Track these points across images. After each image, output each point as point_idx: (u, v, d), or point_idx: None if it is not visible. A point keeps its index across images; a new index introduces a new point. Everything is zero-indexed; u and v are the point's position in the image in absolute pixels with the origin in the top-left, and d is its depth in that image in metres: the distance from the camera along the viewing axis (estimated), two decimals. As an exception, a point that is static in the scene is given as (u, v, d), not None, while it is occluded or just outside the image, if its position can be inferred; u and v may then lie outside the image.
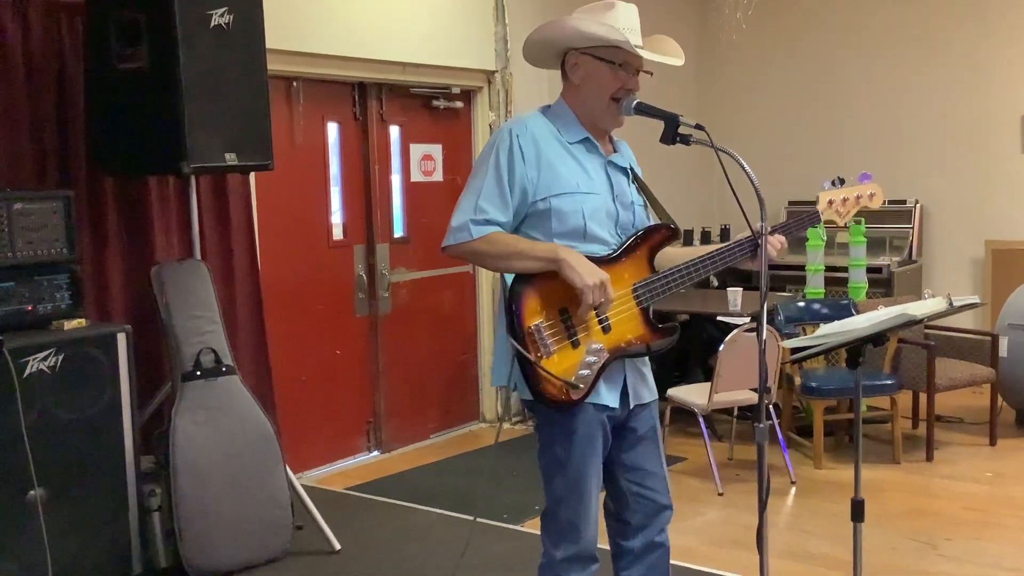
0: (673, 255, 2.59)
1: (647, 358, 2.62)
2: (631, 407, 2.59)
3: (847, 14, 7.35)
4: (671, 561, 2.78)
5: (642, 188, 2.67)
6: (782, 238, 2.56)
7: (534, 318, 2.41)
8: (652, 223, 2.61)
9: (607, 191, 2.55)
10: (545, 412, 2.50)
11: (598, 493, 2.59)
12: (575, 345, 2.43)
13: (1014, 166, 6.86)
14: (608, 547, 2.73)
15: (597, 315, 2.45)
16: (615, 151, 2.65)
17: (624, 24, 2.50)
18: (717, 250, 2.54)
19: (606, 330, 2.46)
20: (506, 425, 6.27)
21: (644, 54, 2.52)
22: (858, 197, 2.73)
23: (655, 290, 2.52)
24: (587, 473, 2.54)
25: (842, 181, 2.73)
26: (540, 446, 2.59)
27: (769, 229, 2.45)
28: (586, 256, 2.45)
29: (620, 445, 2.62)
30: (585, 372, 2.42)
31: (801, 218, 2.67)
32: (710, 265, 2.53)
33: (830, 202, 2.70)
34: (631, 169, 2.66)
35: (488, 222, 2.44)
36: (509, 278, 2.44)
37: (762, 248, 2.42)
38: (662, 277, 2.53)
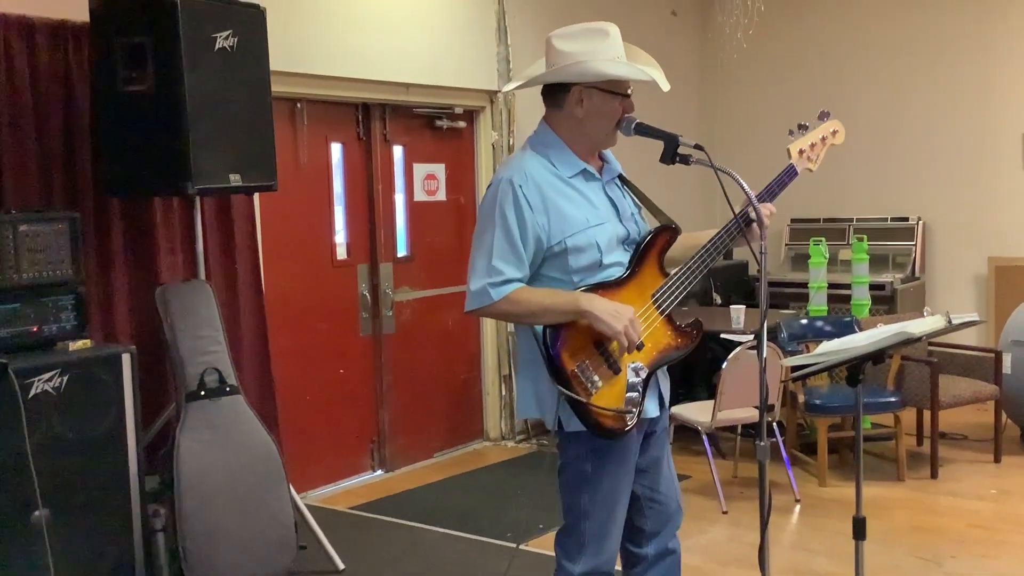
0: (679, 245, 2.61)
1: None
2: (660, 412, 2.63)
3: (848, 32, 7.39)
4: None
5: (634, 191, 2.68)
6: (771, 206, 2.58)
7: (575, 360, 2.42)
8: (652, 229, 2.62)
9: (613, 215, 2.57)
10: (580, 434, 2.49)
11: (625, 511, 2.60)
12: (616, 372, 2.46)
13: (1016, 183, 6.87)
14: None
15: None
16: (604, 162, 2.65)
17: (620, 52, 2.53)
18: (716, 235, 2.56)
19: (640, 348, 2.48)
20: (509, 444, 6.27)
21: (663, 85, 2.55)
22: (823, 139, 2.74)
23: (673, 293, 2.55)
24: (619, 489, 2.56)
25: (804, 127, 2.73)
26: (564, 461, 2.59)
27: (754, 196, 2.47)
28: (604, 282, 2.47)
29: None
30: (634, 395, 2.45)
31: (780, 176, 2.66)
32: (713, 252, 2.55)
33: (800, 151, 2.70)
34: (620, 176, 2.67)
35: (506, 282, 2.44)
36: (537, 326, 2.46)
37: (762, 263, 2.43)
38: (676, 280, 2.55)
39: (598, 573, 2.57)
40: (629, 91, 2.56)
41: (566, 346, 2.42)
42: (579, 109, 2.53)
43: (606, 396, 2.43)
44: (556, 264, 2.49)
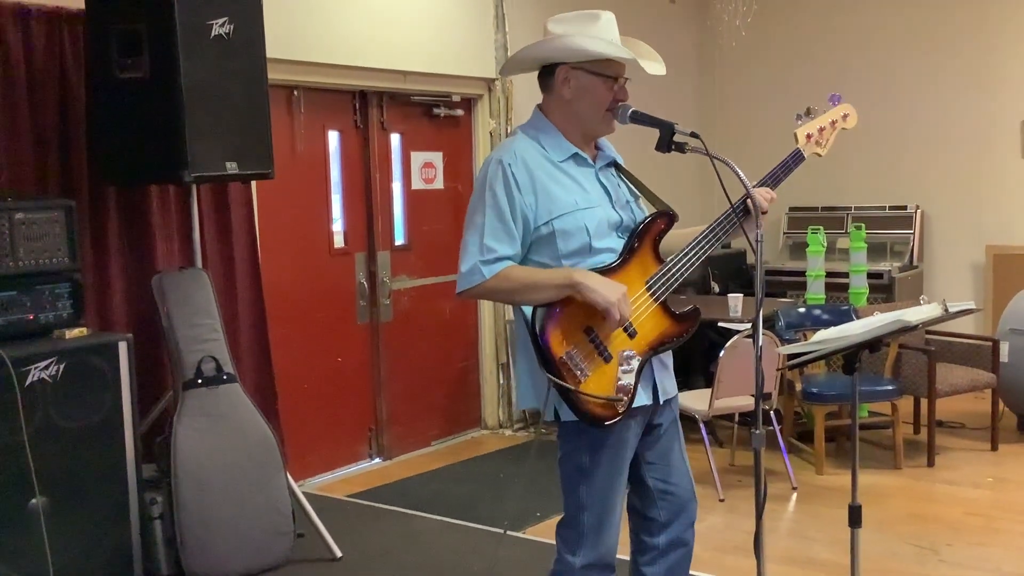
0: (675, 238, 2.59)
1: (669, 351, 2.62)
2: (660, 402, 2.60)
3: (847, 21, 7.37)
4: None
5: (630, 179, 2.66)
6: (771, 192, 2.55)
7: (563, 347, 2.40)
8: (648, 215, 2.59)
9: (605, 200, 2.55)
10: (577, 424, 2.48)
11: (623, 502, 2.59)
12: (607, 360, 2.43)
13: (1015, 171, 6.86)
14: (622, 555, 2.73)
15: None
16: (599, 149, 2.64)
17: (612, 36, 2.51)
18: (716, 222, 2.53)
19: (632, 335, 2.45)
20: (507, 432, 6.27)
21: (647, 67, 2.53)
22: (833, 122, 2.69)
23: (668, 281, 2.51)
24: (614, 482, 2.55)
25: (813, 111, 2.67)
26: (563, 454, 2.58)
27: (754, 184, 2.44)
28: (596, 269, 2.45)
29: (645, 442, 2.62)
30: (625, 382, 2.43)
31: (785, 162, 2.63)
32: (712, 238, 2.53)
33: (808, 136, 2.65)
34: (616, 163, 2.66)
35: (498, 260, 2.42)
36: (527, 311, 2.44)
37: (758, 252, 2.42)
38: (671, 266, 2.52)
39: (599, 565, 2.56)
40: (623, 77, 2.54)
41: (555, 332, 2.40)
42: (566, 90, 2.52)
43: (595, 383, 2.41)
44: (544, 248, 2.48)
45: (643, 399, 2.53)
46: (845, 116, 2.72)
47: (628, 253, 2.51)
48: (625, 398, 2.42)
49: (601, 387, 2.41)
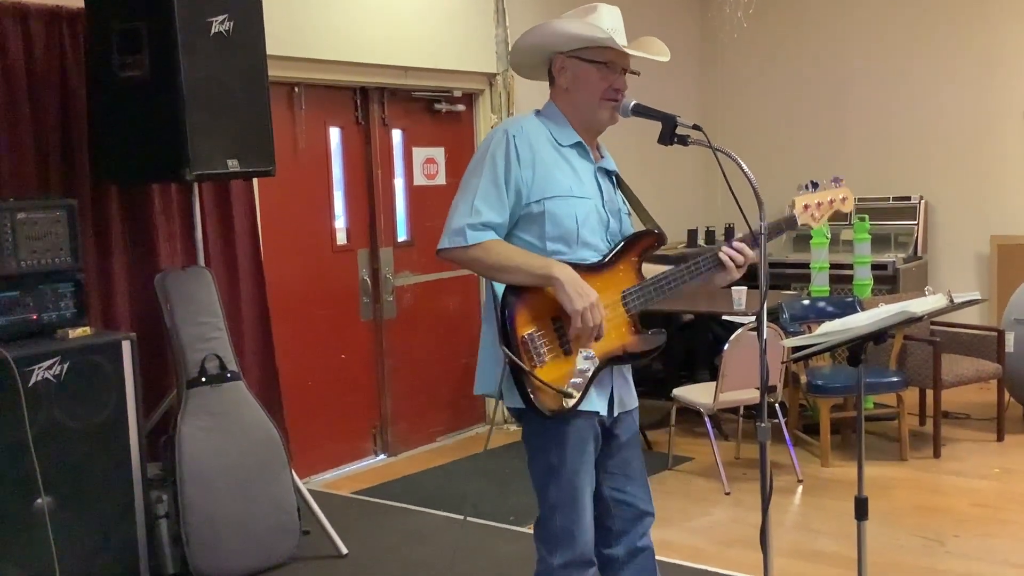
0: (648, 270, 2.60)
1: (630, 365, 2.63)
2: (616, 414, 2.60)
3: (848, 10, 7.35)
4: (680, 560, 2.78)
5: (626, 193, 2.67)
6: (750, 253, 2.55)
7: (527, 328, 2.41)
8: (637, 231, 2.61)
9: (598, 197, 2.56)
10: (535, 420, 2.49)
11: (591, 498, 2.59)
12: (567, 353, 2.44)
13: (1019, 161, 6.84)
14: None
15: None
16: (602, 156, 2.65)
17: (608, 25, 2.51)
18: (702, 256, 2.56)
19: (597, 337, 2.46)
20: (512, 428, 6.26)
21: (630, 51, 2.53)
22: (831, 201, 2.75)
23: (644, 297, 2.53)
24: (581, 479, 2.54)
25: (816, 185, 2.75)
26: (530, 455, 2.58)
27: (753, 233, 2.45)
28: (577, 262, 2.45)
29: (603, 452, 2.62)
30: (578, 380, 2.42)
31: (777, 223, 2.66)
32: (695, 271, 2.55)
33: (806, 206, 2.71)
34: (616, 173, 2.66)
35: (485, 226, 2.43)
36: (499, 287, 2.44)
37: (762, 247, 2.42)
38: (651, 284, 2.53)
39: (578, 562, 2.55)
40: (624, 67, 2.53)
41: (522, 311, 2.40)
42: (563, 79, 2.54)
43: (550, 373, 2.41)
44: (531, 227, 2.48)
45: (597, 406, 2.53)
46: (844, 199, 2.79)
47: (614, 258, 2.53)
48: (576, 395, 2.42)
49: (554, 378, 2.41)
